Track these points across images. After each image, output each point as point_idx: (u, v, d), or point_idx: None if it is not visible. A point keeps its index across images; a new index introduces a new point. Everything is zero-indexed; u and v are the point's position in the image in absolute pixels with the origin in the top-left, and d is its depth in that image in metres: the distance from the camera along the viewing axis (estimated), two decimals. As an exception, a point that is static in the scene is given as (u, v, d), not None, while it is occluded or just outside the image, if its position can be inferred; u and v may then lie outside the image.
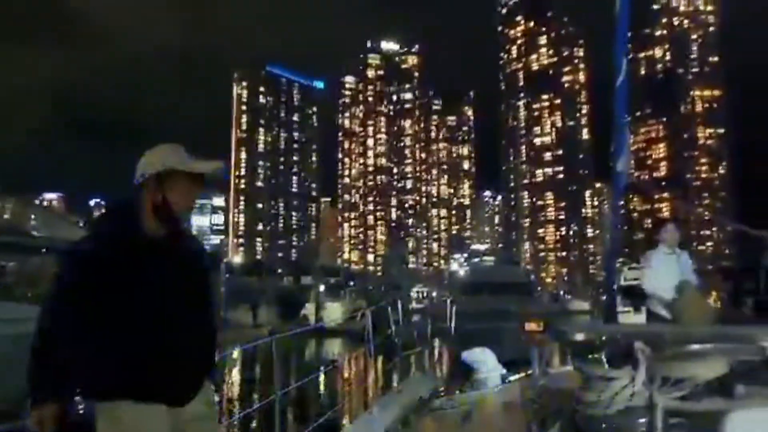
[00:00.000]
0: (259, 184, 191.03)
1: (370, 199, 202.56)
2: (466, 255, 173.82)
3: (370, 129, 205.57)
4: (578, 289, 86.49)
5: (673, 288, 5.21)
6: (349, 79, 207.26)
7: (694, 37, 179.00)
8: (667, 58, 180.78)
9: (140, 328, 1.79)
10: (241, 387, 15.94)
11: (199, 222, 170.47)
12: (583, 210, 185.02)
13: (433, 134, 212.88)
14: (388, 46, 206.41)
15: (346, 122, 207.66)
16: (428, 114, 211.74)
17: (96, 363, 1.78)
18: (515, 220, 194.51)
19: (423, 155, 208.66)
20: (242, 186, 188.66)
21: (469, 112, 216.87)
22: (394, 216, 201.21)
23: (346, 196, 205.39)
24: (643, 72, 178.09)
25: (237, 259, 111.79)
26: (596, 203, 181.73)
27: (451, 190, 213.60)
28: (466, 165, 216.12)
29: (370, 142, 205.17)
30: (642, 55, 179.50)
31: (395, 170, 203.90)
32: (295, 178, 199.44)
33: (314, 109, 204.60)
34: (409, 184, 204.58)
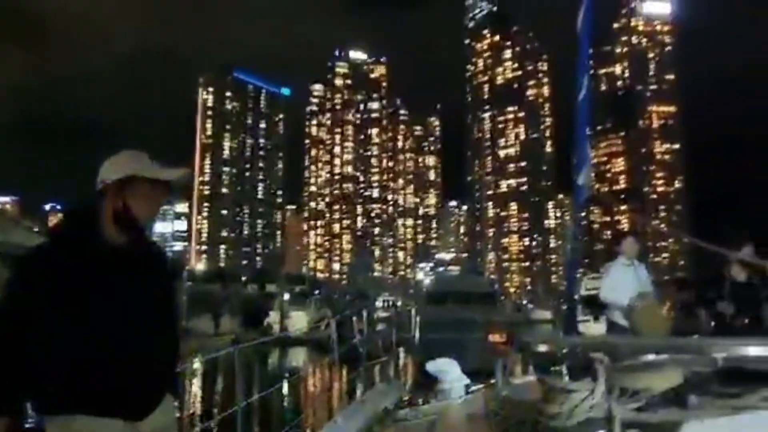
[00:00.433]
0: (224, 190, 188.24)
1: (337, 207, 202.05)
2: (431, 264, 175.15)
3: (338, 137, 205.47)
4: (540, 299, 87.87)
5: (630, 298, 5.39)
6: (317, 87, 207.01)
7: (651, 55, 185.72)
8: (627, 75, 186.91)
9: (96, 338, 1.69)
10: (203, 398, 15.60)
11: (161, 228, 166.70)
12: (546, 221, 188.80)
13: (400, 144, 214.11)
14: (356, 55, 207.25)
15: (313, 130, 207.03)
16: (395, 124, 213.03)
17: (48, 375, 1.68)
18: (480, 230, 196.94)
19: (390, 164, 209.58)
20: (206, 192, 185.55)
21: (436, 123, 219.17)
22: (360, 224, 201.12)
23: (312, 204, 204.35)
24: (603, 88, 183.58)
25: (200, 266, 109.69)
26: (559, 214, 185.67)
27: (418, 200, 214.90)
28: (432, 175, 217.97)
29: (337, 150, 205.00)
30: (603, 71, 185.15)
31: (362, 179, 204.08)
32: (260, 185, 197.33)
33: (281, 116, 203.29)
34: (375, 193, 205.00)
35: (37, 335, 1.68)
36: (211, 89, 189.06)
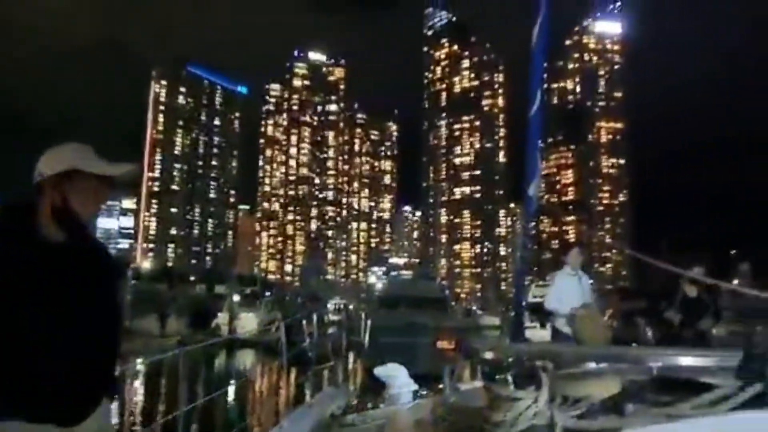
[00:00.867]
0: (174, 187, 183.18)
1: (291, 208, 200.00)
2: (384, 268, 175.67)
3: (294, 138, 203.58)
4: (490, 305, 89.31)
5: (573, 307, 5.60)
6: (275, 87, 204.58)
7: (601, 72, 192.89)
8: (578, 90, 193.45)
9: (28, 341, 1.58)
10: (145, 402, 15.09)
11: (106, 224, 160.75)
12: (498, 229, 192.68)
13: (356, 147, 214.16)
14: (316, 56, 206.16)
15: (269, 130, 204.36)
16: (352, 127, 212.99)
17: None
18: (433, 236, 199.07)
19: (345, 168, 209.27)
20: (156, 189, 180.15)
21: (393, 128, 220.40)
22: (314, 227, 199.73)
23: (266, 205, 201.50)
24: (555, 102, 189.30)
25: (146, 264, 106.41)
26: (510, 223, 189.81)
27: (372, 204, 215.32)
28: (387, 179, 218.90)
29: (293, 151, 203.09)
30: (555, 86, 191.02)
31: (317, 181, 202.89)
32: (213, 183, 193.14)
33: (237, 114, 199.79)
34: (330, 196, 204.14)
35: None
36: (164, 83, 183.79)
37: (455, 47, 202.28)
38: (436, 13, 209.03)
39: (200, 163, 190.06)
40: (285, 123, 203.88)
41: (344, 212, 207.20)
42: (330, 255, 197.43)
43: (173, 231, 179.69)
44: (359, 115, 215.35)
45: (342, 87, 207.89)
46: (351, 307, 60.06)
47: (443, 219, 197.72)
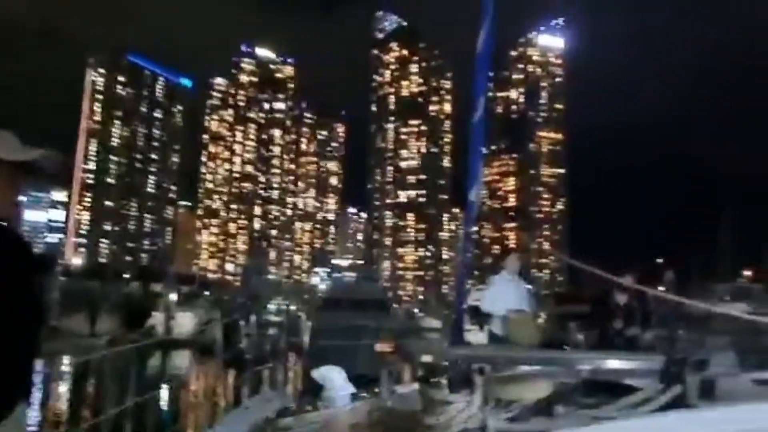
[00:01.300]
0: (110, 180, 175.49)
1: (234, 206, 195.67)
2: (327, 270, 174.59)
3: (239, 135, 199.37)
4: (431, 308, 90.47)
5: (508, 310, 5.78)
6: (220, 81, 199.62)
7: (543, 84, 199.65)
8: (521, 100, 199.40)
9: None
10: (70, 405, 14.36)
11: (33, 217, 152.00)
12: (441, 233, 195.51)
13: (303, 147, 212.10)
14: (264, 53, 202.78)
15: (214, 125, 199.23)
16: (300, 126, 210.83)
17: None
18: (378, 238, 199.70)
19: (291, 167, 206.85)
20: (89, 181, 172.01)
21: (341, 129, 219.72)
22: (257, 226, 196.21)
23: (208, 202, 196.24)
24: (500, 110, 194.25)
25: (77, 260, 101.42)
26: (453, 227, 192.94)
27: (318, 204, 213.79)
28: (333, 180, 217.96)
29: (238, 148, 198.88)
30: (500, 95, 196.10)
31: (262, 179, 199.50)
32: (152, 178, 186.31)
33: (179, 107, 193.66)
34: (275, 195, 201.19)
35: None
36: (102, 71, 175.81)
37: (404, 51, 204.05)
38: (386, 16, 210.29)
39: (139, 156, 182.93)
40: (230, 119, 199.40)
41: (289, 212, 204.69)
42: (273, 255, 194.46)
43: (107, 226, 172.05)
44: (307, 115, 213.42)
45: (290, 85, 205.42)
46: (293, 308, 59.48)
47: (388, 222, 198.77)
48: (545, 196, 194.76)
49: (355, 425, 2.71)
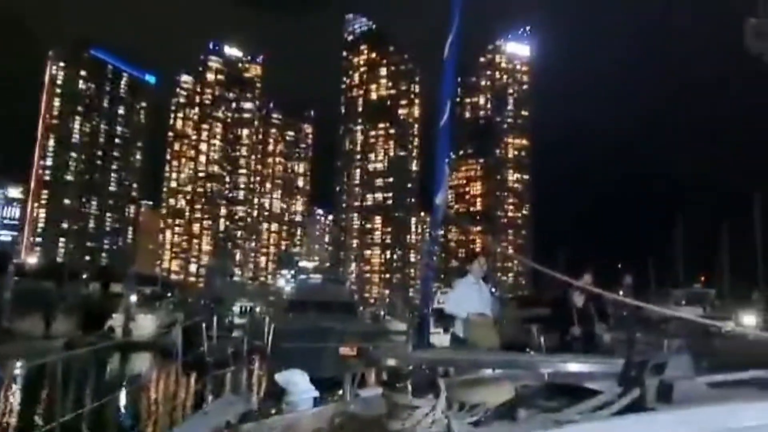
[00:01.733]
0: (69, 177, 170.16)
1: (198, 206, 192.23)
2: (293, 271, 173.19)
3: (205, 133, 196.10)
4: (397, 311, 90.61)
5: (470, 313, 5.85)
6: (186, 79, 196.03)
7: (510, 91, 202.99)
8: (488, 106, 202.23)
9: None
10: (22, 411, 13.83)
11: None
12: (408, 236, 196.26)
13: (270, 147, 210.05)
14: (232, 51, 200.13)
15: (179, 123, 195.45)
16: (267, 126, 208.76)
17: None
18: (344, 240, 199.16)
19: (258, 167, 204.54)
20: (47, 178, 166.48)
21: (309, 130, 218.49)
22: (222, 226, 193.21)
23: (172, 201, 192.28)
24: (467, 115, 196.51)
25: (32, 259, 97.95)
26: (420, 231, 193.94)
27: (284, 205, 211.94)
28: (300, 182, 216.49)
29: (203, 147, 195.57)
30: (468, 100, 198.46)
31: (227, 179, 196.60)
32: (114, 175, 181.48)
33: (143, 104, 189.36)
34: (241, 195, 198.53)
35: None
36: (62, 64, 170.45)
37: (374, 54, 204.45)
38: (356, 19, 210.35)
39: (100, 153, 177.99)
40: (196, 117, 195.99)
41: (255, 213, 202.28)
42: (238, 256, 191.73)
43: (65, 224, 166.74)
44: (275, 115, 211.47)
45: (258, 85, 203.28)
46: (258, 310, 58.71)
47: (355, 224, 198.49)
48: (511, 200, 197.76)
49: (317, 430, 2.69)
